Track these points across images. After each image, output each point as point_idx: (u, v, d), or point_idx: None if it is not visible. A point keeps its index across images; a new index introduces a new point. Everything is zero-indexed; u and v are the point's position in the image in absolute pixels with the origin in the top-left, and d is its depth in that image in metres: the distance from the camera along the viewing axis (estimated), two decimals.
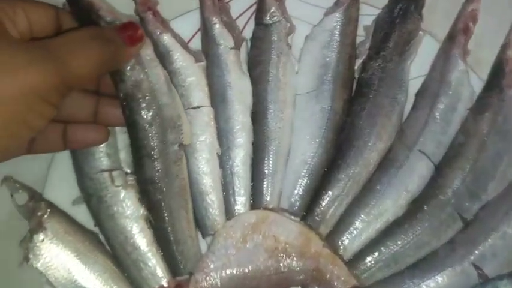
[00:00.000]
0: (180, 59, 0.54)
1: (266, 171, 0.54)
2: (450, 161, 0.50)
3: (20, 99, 0.34)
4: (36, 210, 0.48)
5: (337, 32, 0.55)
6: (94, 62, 0.39)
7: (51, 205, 0.49)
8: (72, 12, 0.48)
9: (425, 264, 0.49)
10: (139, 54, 0.48)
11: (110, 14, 0.48)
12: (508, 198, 0.49)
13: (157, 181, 0.49)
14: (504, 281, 0.47)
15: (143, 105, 0.49)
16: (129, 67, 0.48)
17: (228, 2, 0.57)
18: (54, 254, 0.48)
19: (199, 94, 0.53)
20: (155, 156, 0.49)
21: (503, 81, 0.50)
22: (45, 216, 0.48)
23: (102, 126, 0.47)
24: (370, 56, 0.55)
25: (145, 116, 0.49)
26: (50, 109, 0.37)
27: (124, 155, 0.52)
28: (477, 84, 0.53)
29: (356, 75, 0.57)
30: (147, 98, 0.50)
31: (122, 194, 0.50)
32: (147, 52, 0.49)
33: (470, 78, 0.53)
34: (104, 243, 0.51)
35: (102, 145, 0.50)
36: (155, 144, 0.49)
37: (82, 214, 0.52)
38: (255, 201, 0.54)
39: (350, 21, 0.55)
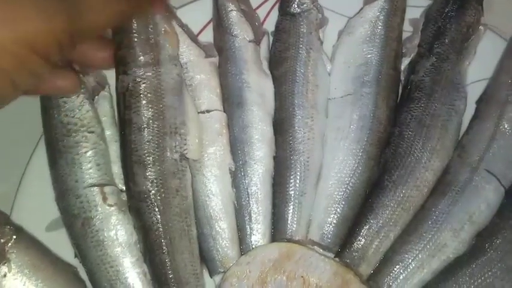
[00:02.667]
0: (187, 53, 0.49)
1: (292, 192, 0.48)
2: None
3: (10, 53, 0.32)
4: (2, 235, 0.38)
5: (380, 24, 0.49)
6: (112, 13, 0.36)
7: (18, 230, 0.41)
8: None
9: None
10: (159, 48, 0.45)
11: None
12: None
13: (152, 196, 0.41)
14: None
15: (143, 103, 0.44)
16: (140, 60, 0.44)
17: None
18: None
19: (209, 96, 0.47)
20: (148, 163, 0.42)
21: None
22: (10, 244, 0.40)
23: (73, 72, 0.42)
24: (420, 54, 0.48)
25: (142, 115, 0.44)
26: (43, 67, 0.34)
27: (118, 169, 0.41)
28: None
29: (403, 77, 0.50)
30: (149, 96, 0.44)
31: (115, 215, 0.40)
32: (169, 50, 0.45)
33: None
34: (85, 279, 0.40)
35: (91, 153, 0.41)
36: (149, 148, 0.42)
37: (58, 242, 0.43)
38: (277, 230, 0.47)
39: (396, 12, 0.49)
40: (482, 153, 0.46)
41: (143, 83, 0.44)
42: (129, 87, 0.44)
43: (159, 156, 0.43)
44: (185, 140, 0.44)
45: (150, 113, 0.44)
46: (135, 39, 0.42)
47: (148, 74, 0.44)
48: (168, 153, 0.43)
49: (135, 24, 0.42)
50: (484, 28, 0.50)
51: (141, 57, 0.43)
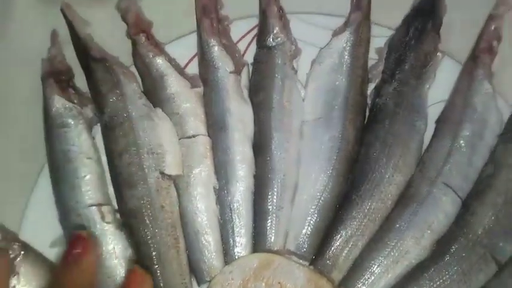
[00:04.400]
0: (175, 84, 0.55)
1: (270, 207, 0.54)
2: (479, 195, 0.49)
3: None
4: (9, 250, 0.44)
5: (347, 54, 0.54)
6: None
7: (26, 247, 0.47)
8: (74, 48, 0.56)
9: None
10: (122, 87, 0.53)
11: (98, 53, 0.55)
12: None
13: (140, 213, 0.49)
14: None
15: (119, 133, 0.52)
16: (110, 100, 0.52)
17: (228, 24, 0.55)
18: None
19: (194, 122, 0.53)
20: (133, 184, 0.50)
21: None
22: (18, 259, 0.45)
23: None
24: (384, 79, 0.54)
25: (121, 143, 0.52)
26: None
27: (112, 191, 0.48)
28: (504, 108, 0.49)
29: (369, 101, 0.55)
30: (124, 126, 0.52)
31: (112, 231, 0.47)
32: (131, 86, 0.53)
33: (497, 102, 0.49)
34: None
35: (89, 177, 0.49)
36: (132, 170, 0.50)
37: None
38: (258, 242, 0.53)
39: (361, 42, 0.55)
40: (440, 168, 0.51)
41: (115, 117, 0.52)
42: (106, 122, 0.52)
43: (141, 176, 0.50)
44: (162, 158, 0.51)
45: (125, 140, 0.51)
46: (102, 86, 0.51)
47: (118, 108, 0.52)
48: (148, 172, 0.50)
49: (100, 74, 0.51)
50: (442, 54, 0.56)
51: (110, 98, 0.52)
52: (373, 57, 0.59)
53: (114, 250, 0.49)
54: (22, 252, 0.49)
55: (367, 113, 0.57)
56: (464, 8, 0.58)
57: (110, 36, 0.58)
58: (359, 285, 0.49)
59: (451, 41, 0.58)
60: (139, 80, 0.56)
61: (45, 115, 0.54)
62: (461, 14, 0.59)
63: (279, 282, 0.48)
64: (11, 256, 0.48)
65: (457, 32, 0.58)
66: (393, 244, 0.50)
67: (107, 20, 0.58)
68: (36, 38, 0.59)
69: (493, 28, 0.55)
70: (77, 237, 0.43)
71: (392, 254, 0.50)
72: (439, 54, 0.56)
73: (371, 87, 0.58)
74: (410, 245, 0.50)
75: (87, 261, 0.41)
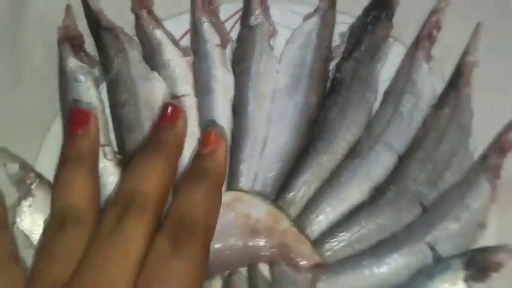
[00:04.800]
0: (170, 52, 0.67)
1: (243, 156, 0.65)
2: (412, 153, 0.60)
3: None
4: (26, 178, 0.57)
5: (314, 35, 0.66)
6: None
7: (41, 176, 0.58)
8: (87, 19, 0.69)
9: (385, 245, 0.57)
10: (126, 52, 0.66)
11: (107, 24, 0.68)
12: (462, 186, 0.58)
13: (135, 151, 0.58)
14: (456, 260, 0.54)
15: (123, 88, 0.64)
16: (115, 62, 0.65)
17: (218, 6, 0.67)
18: (40, 219, 0.55)
19: (184, 85, 0.66)
20: (131, 128, 0.63)
21: (460, 80, 0.59)
22: (34, 184, 0.57)
23: None
24: (343, 58, 0.66)
25: (123, 97, 0.64)
26: None
27: (113, 137, 0.60)
28: (439, 84, 0.61)
29: (331, 75, 0.67)
30: (126, 83, 0.65)
31: (112, 166, 0.60)
32: (134, 52, 0.66)
33: (434, 80, 0.62)
34: None
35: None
36: (131, 118, 0.63)
37: None
38: (231, 183, 0.65)
39: (326, 26, 0.66)
40: (383, 130, 0.64)
41: (119, 74, 0.65)
42: (111, 79, 0.65)
43: (138, 123, 0.63)
44: (156, 110, 0.63)
45: (127, 94, 0.64)
46: (110, 50, 0.65)
47: (122, 67, 0.65)
48: (144, 121, 0.63)
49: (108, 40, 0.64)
50: (393, 40, 0.69)
51: (116, 61, 0.65)
52: (337, 39, 0.70)
53: (114, 181, 0.61)
54: (38, 180, 0.60)
55: (329, 85, 0.68)
56: (420, 3, 0.69)
57: (116, 11, 0.70)
58: (310, 219, 0.61)
59: (406, 33, 0.69)
60: (141, 48, 0.68)
61: (60, 72, 0.66)
62: (417, 8, 0.70)
63: (245, 213, 0.60)
64: (28, 182, 0.59)
65: (412, 25, 0.69)
66: (340, 188, 0.62)
67: None
68: (53, 11, 0.71)
69: (434, 19, 0.67)
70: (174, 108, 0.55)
71: (338, 196, 0.62)
72: (390, 39, 0.69)
73: (333, 64, 0.70)
74: (353, 190, 0.62)
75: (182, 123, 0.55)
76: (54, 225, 0.49)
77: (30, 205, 0.59)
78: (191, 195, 0.46)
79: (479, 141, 0.64)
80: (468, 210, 0.60)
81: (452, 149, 0.62)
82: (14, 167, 0.61)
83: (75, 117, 0.56)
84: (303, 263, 0.60)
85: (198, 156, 0.53)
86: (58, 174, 0.54)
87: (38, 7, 0.75)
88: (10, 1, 0.75)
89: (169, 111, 0.54)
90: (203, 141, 0.54)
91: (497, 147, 0.62)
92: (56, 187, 0.48)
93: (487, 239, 0.61)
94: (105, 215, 0.44)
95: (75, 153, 0.54)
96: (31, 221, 0.59)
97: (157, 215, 0.45)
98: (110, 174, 0.63)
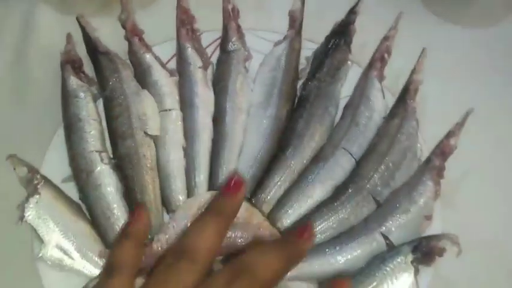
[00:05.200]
0: (158, 73, 0.78)
1: (221, 161, 0.76)
2: (367, 157, 0.71)
3: None
4: (33, 180, 0.66)
5: (283, 59, 0.78)
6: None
7: (45, 178, 0.67)
8: (86, 45, 0.79)
9: (345, 236, 0.68)
10: (120, 73, 0.76)
11: (104, 49, 0.78)
12: (410, 184, 0.69)
13: (128, 157, 0.72)
14: (405, 246, 0.64)
15: (117, 103, 0.75)
16: (111, 81, 0.75)
17: (200, 34, 0.79)
18: (45, 214, 0.66)
19: (171, 100, 0.76)
20: (125, 137, 0.73)
21: (407, 96, 0.71)
22: (40, 184, 0.67)
23: None
24: (308, 78, 0.78)
25: (117, 110, 0.74)
26: None
27: (109, 144, 0.71)
28: (390, 100, 0.73)
29: (298, 93, 0.78)
30: (120, 99, 0.75)
31: (107, 170, 0.71)
32: (127, 72, 0.77)
33: (387, 96, 0.73)
34: (86, 213, 0.67)
35: (93, 132, 0.74)
36: (124, 129, 0.73)
37: (69, 191, 0.73)
38: (212, 185, 0.75)
39: (293, 51, 0.79)
40: (342, 138, 0.74)
41: (114, 92, 0.75)
42: (107, 96, 0.75)
43: (130, 133, 0.73)
44: (146, 122, 0.73)
45: (120, 108, 0.74)
46: (106, 71, 0.75)
47: (117, 86, 0.75)
48: (136, 131, 0.72)
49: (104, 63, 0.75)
50: (351, 62, 0.81)
51: (111, 80, 0.75)
52: (303, 62, 0.82)
53: (109, 183, 0.70)
54: (43, 181, 0.70)
55: (296, 100, 0.79)
56: (374, 32, 0.82)
57: (112, 38, 0.81)
58: (280, 215, 0.71)
59: (363, 55, 0.81)
60: (133, 69, 0.79)
61: (62, 90, 0.76)
62: (372, 36, 0.83)
63: None
64: (35, 182, 0.69)
65: (368, 49, 0.81)
66: (305, 188, 0.72)
67: (111, 26, 0.81)
68: (56, 39, 0.82)
69: (385, 45, 0.79)
70: (237, 181, 0.59)
71: (304, 195, 0.72)
72: (349, 62, 0.81)
73: (300, 83, 0.81)
74: (317, 189, 0.72)
75: (241, 195, 0.60)
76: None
77: (37, 202, 0.69)
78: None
79: (426, 148, 0.75)
80: (415, 204, 0.70)
81: (401, 153, 0.73)
82: (23, 170, 0.70)
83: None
84: None
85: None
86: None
87: (43, 34, 0.86)
88: (18, 29, 0.86)
89: (233, 182, 0.58)
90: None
91: (439, 151, 0.73)
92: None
93: (433, 230, 0.71)
94: (164, 261, 0.54)
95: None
96: (37, 215, 0.68)
97: (206, 269, 0.53)
98: (105, 176, 0.72)
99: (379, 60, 0.79)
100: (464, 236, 0.67)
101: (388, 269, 0.66)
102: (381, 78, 0.78)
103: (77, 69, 0.78)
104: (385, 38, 0.80)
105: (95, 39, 0.78)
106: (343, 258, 0.68)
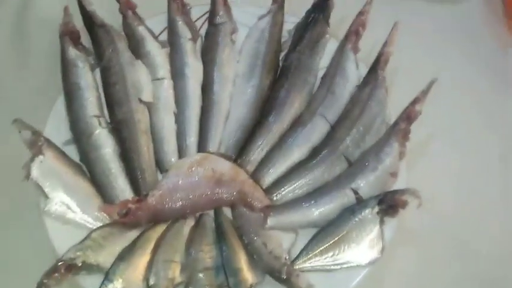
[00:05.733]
0: (150, 45, 0.84)
1: (210, 126, 0.83)
2: (341, 122, 0.80)
3: None
4: (38, 141, 0.74)
5: (266, 32, 0.86)
6: None
7: (48, 140, 0.75)
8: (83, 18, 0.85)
9: (320, 191, 0.76)
10: (116, 44, 0.82)
11: (100, 22, 0.84)
12: (379, 145, 0.77)
13: (124, 122, 0.79)
14: (372, 200, 0.73)
15: (113, 72, 0.81)
16: (107, 52, 0.80)
17: (189, 8, 0.86)
18: (49, 173, 0.73)
19: (162, 70, 0.84)
20: (121, 104, 0.80)
21: (378, 65, 0.79)
22: (44, 146, 0.74)
23: None
24: (290, 50, 0.85)
25: (113, 79, 0.81)
26: None
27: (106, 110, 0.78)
28: (364, 70, 0.81)
29: (280, 64, 0.84)
30: (116, 68, 0.81)
31: (105, 133, 0.78)
32: (122, 43, 0.83)
33: (361, 67, 0.81)
34: (86, 172, 0.75)
35: (92, 99, 0.80)
36: (120, 96, 0.80)
37: (69, 153, 0.80)
38: (201, 147, 0.83)
39: (276, 24, 0.86)
40: (318, 105, 0.82)
41: (110, 62, 0.81)
42: (104, 66, 0.82)
43: (126, 100, 0.80)
44: (140, 90, 0.80)
45: (116, 77, 0.81)
46: (102, 42, 0.80)
47: (113, 56, 0.81)
48: (131, 98, 0.79)
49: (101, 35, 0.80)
50: (329, 36, 0.88)
51: (107, 51, 0.81)
52: (285, 35, 0.89)
53: (107, 145, 0.78)
54: (46, 143, 0.77)
55: (278, 71, 0.87)
56: (352, 7, 0.88)
57: (107, 11, 0.87)
58: (263, 174, 0.80)
59: (341, 29, 0.89)
60: (127, 41, 0.85)
61: (62, 60, 0.83)
62: (349, 11, 0.90)
63: (212, 168, 0.78)
64: (39, 144, 0.76)
65: (345, 24, 0.89)
66: (285, 149, 0.81)
67: (106, 0, 0.87)
68: (54, 12, 0.88)
69: (360, 19, 0.87)
70: None
71: (284, 155, 0.80)
72: (327, 35, 0.88)
73: (282, 54, 0.88)
74: (296, 151, 0.80)
75: None
76: None
77: (41, 161, 0.76)
78: None
79: (394, 113, 0.84)
80: (382, 163, 0.79)
81: (371, 119, 0.82)
82: (27, 133, 0.77)
83: None
84: (256, 204, 0.77)
85: None
86: None
87: (42, 8, 0.92)
88: (18, 3, 0.92)
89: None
90: None
91: (405, 116, 0.81)
92: None
93: (398, 186, 0.80)
94: None
95: None
96: (42, 174, 0.76)
97: None
98: (104, 139, 0.80)
99: (354, 33, 0.86)
100: (425, 193, 0.75)
101: (357, 219, 0.75)
102: (356, 50, 0.86)
103: (75, 40, 0.85)
104: (360, 13, 0.88)
105: (92, 12, 0.85)
106: (317, 211, 0.77)
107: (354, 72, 0.84)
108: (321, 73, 0.87)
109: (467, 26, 0.93)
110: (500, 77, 0.94)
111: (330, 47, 0.88)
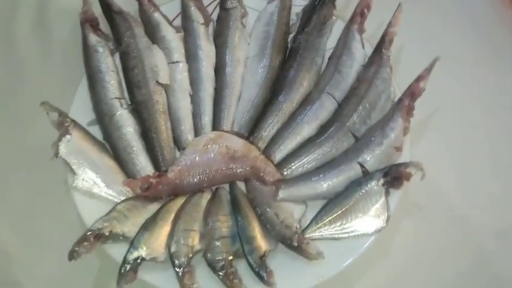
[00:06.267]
0: (165, 30, 0.89)
1: (223, 106, 0.89)
2: (348, 100, 0.85)
3: None
4: (64, 122, 0.80)
5: (275, 15, 0.91)
6: None
7: (74, 121, 0.81)
8: (101, 6, 0.89)
9: (328, 165, 0.81)
10: (133, 30, 0.87)
11: (118, 8, 0.89)
12: (384, 121, 0.81)
13: (144, 103, 0.84)
14: (378, 173, 0.78)
15: (132, 56, 0.86)
16: (125, 38, 0.86)
17: None
18: (76, 151, 0.79)
19: (177, 54, 0.89)
20: (140, 86, 0.85)
21: (383, 45, 0.83)
22: (70, 126, 0.80)
23: None
24: (298, 32, 0.89)
25: (132, 63, 0.86)
26: None
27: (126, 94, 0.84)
28: (370, 49, 0.85)
29: (289, 45, 0.89)
30: (134, 53, 0.86)
31: (126, 114, 0.83)
32: (139, 29, 0.88)
33: (366, 46, 0.85)
34: (109, 150, 0.81)
35: (113, 82, 0.86)
36: (139, 78, 0.84)
37: (93, 132, 0.85)
38: (215, 126, 0.88)
39: (285, 8, 0.91)
40: (326, 83, 0.87)
41: (129, 47, 0.87)
42: (123, 51, 0.87)
43: (144, 82, 0.85)
44: (157, 73, 0.85)
45: (135, 61, 0.86)
46: (121, 28, 0.86)
47: (131, 41, 0.86)
48: (149, 80, 0.84)
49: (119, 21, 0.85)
50: (336, 18, 0.92)
51: (125, 37, 0.86)
52: (293, 18, 0.94)
53: (128, 124, 0.84)
54: (73, 123, 0.83)
55: (287, 52, 0.92)
56: None
57: None
58: (274, 150, 0.85)
59: (347, 11, 0.93)
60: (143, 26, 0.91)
61: (83, 46, 0.89)
62: None
63: (226, 145, 0.84)
64: (66, 124, 0.82)
65: (352, 5, 0.93)
66: (295, 126, 0.85)
67: None
68: (74, 1, 0.93)
69: (365, 1, 0.91)
70: None
71: (294, 132, 0.85)
72: (334, 17, 0.92)
73: (291, 36, 0.93)
74: (305, 128, 0.85)
75: None
76: None
77: (68, 141, 0.82)
78: None
79: (399, 91, 0.88)
80: (387, 138, 0.84)
81: (377, 96, 0.86)
82: (55, 115, 0.83)
83: None
84: (268, 178, 0.83)
85: None
86: None
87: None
88: None
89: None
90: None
91: (409, 93, 0.86)
92: None
93: (402, 159, 0.85)
94: None
95: None
96: (69, 152, 0.82)
97: None
98: (125, 119, 0.86)
99: (359, 15, 0.91)
100: (428, 166, 0.80)
101: (363, 191, 0.80)
102: (361, 31, 0.90)
103: (95, 27, 0.90)
104: None
105: (109, 0, 0.90)
106: (326, 184, 0.82)
107: (360, 52, 0.89)
108: (328, 53, 0.91)
109: (470, 5, 0.97)
110: (502, 54, 0.98)
111: (337, 28, 0.92)
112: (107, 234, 0.74)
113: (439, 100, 0.90)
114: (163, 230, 0.76)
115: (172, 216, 0.77)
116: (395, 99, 0.86)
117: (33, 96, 0.87)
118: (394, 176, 0.79)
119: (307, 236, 0.77)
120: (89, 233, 0.73)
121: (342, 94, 0.87)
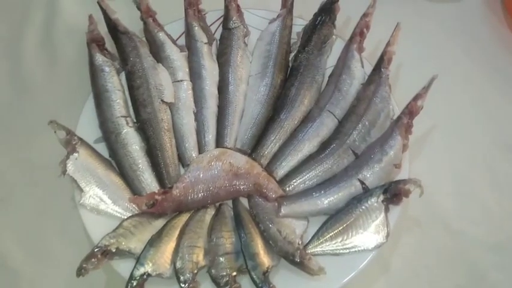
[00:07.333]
0: (170, 49, 0.92)
1: (226, 123, 0.91)
2: (348, 117, 0.87)
3: None
4: (72, 140, 0.82)
5: (277, 35, 0.93)
6: None
7: (81, 139, 0.83)
8: (107, 26, 0.92)
9: (329, 182, 0.83)
10: (138, 49, 0.90)
11: (123, 29, 0.92)
12: (383, 138, 0.84)
13: (149, 121, 0.87)
14: (378, 190, 0.81)
15: (137, 75, 0.89)
16: (131, 57, 0.88)
17: (205, 14, 0.94)
18: (83, 168, 0.81)
19: (181, 72, 0.92)
20: (145, 104, 0.87)
21: (382, 64, 0.86)
22: (78, 144, 0.82)
23: None
24: (299, 51, 0.92)
25: (138, 82, 0.89)
26: None
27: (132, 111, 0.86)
28: (369, 68, 0.88)
29: (290, 64, 0.92)
30: (139, 72, 0.89)
31: (132, 132, 0.85)
32: (144, 49, 0.91)
33: (366, 65, 0.88)
34: (115, 167, 0.83)
35: (119, 101, 0.88)
36: (145, 97, 0.87)
37: (99, 150, 0.88)
38: (219, 143, 0.90)
39: (286, 27, 0.94)
40: (327, 102, 0.90)
41: (134, 66, 0.89)
42: (128, 70, 0.89)
43: (149, 101, 0.88)
44: (162, 91, 0.88)
45: (140, 80, 0.89)
46: (126, 48, 0.88)
47: (136, 61, 0.89)
48: (154, 99, 0.87)
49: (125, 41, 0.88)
50: (335, 37, 0.95)
51: (131, 56, 0.89)
52: (294, 37, 0.97)
53: (134, 142, 0.86)
54: (80, 141, 0.85)
55: (288, 71, 0.94)
56: (356, 9, 0.96)
57: (129, 19, 0.95)
58: (276, 166, 0.87)
59: (347, 30, 0.96)
60: (148, 46, 0.94)
61: (90, 65, 0.91)
62: (355, 14, 0.97)
63: (230, 162, 0.86)
64: (73, 142, 0.84)
65: (351, 25, 0.96)
66: (296, 144, 0.88)
67: (127, 8, 0.95)
68: (80, 19, 0.96)
69: (364, 21, 0.94)
70: None
71: (295, 149, 0.88)
72: (334, 36, 0.95)
73: (292, 55, 0.95)
74: (305, 145, 0.88)
75: None
76: None
77: (76, 158, 0.85)
78: None
79: (398, 109, 0.91)
80: (387, 155, 0.86)
81: (376, 114, 0.89)
82: (62, 133, 0.86)
83: None
84: (271, 195, 0.85)
85: None
86: None
87: (68, 16, 1.01)
88: (45, 12, 1.00)
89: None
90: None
91: (407, 111, 0.89)
92: None
93: (401, 176, 0.87)
94: None
95: None
96: (76, 169, 0.84)
97: None
98: (131, 137, 0.88)
99: (358, 34, 0.94)
100: (426, 182, 0.82)
101: (363, 207, 0.82)
102: (361, 50, 0.93)
103: (101, 46, 0.93)
104: (364, 15, 0.95)
105: (115, 20, 0.93)
106: (327, 200, 0.84)
107: (360, 70, 0.91)
108: (328, 72, 0.94)
109: (468, 24, 1.00)
110: (499, 74, 1.01)
111: (337, 46, 0.95)
112: (114, 250, 0.76)
113: (436, 117, 0.92)
114: (168, 246, 0.78)
115: (177, 232, 0.79)
116: (394, 117, 0.89)
117: (40, 114, 0.90)
118: (393, 193, 0.82)
119: (309, 251, 0.79)
120: (96, 250, 0.75)
121: (342, 112, 0.90)
